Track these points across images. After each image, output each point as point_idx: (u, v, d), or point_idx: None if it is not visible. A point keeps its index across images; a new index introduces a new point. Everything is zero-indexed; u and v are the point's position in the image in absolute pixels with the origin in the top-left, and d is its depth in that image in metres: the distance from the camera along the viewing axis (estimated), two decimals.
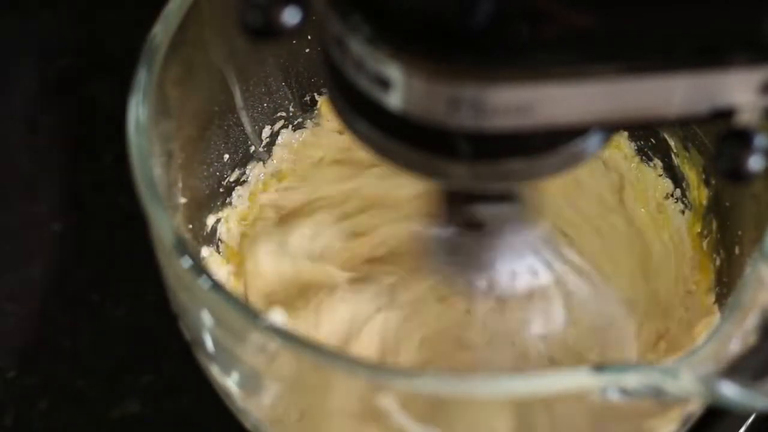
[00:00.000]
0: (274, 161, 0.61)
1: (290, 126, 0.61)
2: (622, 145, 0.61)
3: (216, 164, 0.57)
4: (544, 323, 0.54)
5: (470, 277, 0.49)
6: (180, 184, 0.52)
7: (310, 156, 0.61)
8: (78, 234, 0.62)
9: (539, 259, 0.49)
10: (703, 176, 0.58)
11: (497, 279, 0.48)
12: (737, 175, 0.38)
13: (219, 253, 0.58)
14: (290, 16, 0.36)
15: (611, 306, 0.56)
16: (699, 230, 0.58)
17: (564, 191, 0.60)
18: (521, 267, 0.48)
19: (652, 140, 0.60)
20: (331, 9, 0.37)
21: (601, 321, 0.56)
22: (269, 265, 0.57)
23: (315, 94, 0.61)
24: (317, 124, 0.62)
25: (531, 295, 0.52)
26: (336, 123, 0.61)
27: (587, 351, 0.55)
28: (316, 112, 0.62)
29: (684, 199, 0.59)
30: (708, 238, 0.58)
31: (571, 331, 0.55)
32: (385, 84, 0.37)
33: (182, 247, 0.45)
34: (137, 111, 0.47)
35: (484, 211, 0.44)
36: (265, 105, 0.59)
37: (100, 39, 0.69)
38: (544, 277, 0.49)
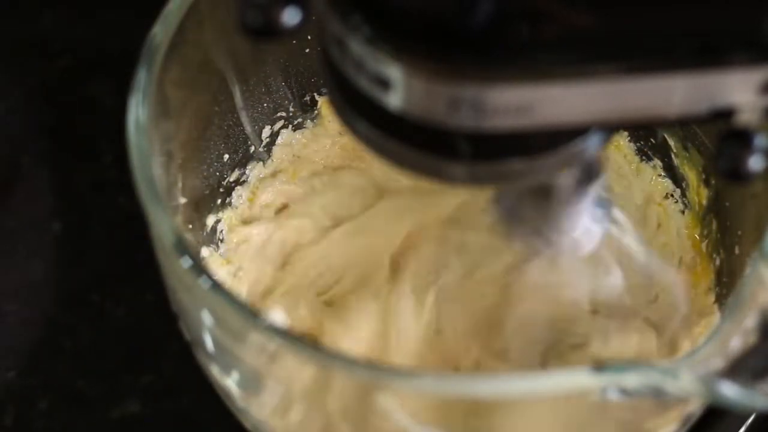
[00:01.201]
0: (274, 161, 0.61)
1: (290, 126, 0.61)
2: (622, 145, 0.61)
3: (216, 164, 0.57)
4: (597, 279, 0.54)
5: (549, 240, 0.49)
6: (180, 184, 0.52)
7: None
8: (78, 234, 0.62)
9: (594, 216, 0.48)
10: (703, 176, 0.58)
11: (559, 244, 0.48)
12: (737, 175, 0.38)
13: (219, 253, 0.58)
14: (290, 16, 0.36)
15: (658, 263, 0.56)
16: (699, 230, 0.58)
17: None
18: (580, 229, 0.47)
19: (652, 140, 0.60)
20: (331, 9, 0.37)
21: (651, 277, 0.56)
22: None
23: (315, 94, 0.61)
24: (317, 124, 0.62)
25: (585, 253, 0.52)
26: (336, 123, 0.62)
27: (639, 307, 0.55)
28: (316, 112, 0.62)
29: (684, 199, 0.59)
30: (708, 238, 0.58)
31: (623, 286, 0.55)
32: (385, 84, 0.37)
33: (182, 247, 0.45)
34: (137, 111, 0.47)
35: (563, 181, 0.44)
36: (265, 105, 0.59)
37: (100, 39, 0.69)
38: (598, 235, 0.49)
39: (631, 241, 0.55)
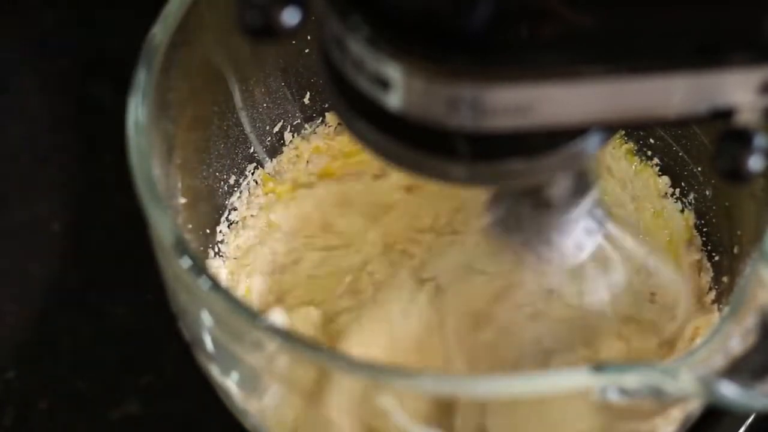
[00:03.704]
0: (274, 162, 0.61)
1: (290, 127, 0.61)
2: (622, 145, 0.61)
3: (216, 164, 0.57)
4: (608, 284, 0.54)
5: (537, 252, 0.49)
6: (180, 184, 0.52)
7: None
8: (78, 234, 0.62)
9: (593, 220, 0.48)
10: (703, 176, 0.58)
11: (564, 250, 0.47)
12: (737, 175, 0.38)
13: (219, 253, 0.58)
14: (290, 17, 0.36)
15: (663, 267, 0.56)
16: (698, 230, 0.58)
17: None
18: (582, 234, 0.47)
19: (652, 140, 0.60)
20: (330, 9, 0.37)
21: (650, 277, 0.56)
22: None
23: (314, 93, 0.61)
24: (319, 124, 0.62)
25: (593, 259, 0.51)
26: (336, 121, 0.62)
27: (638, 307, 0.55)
28: (316, 113, 0.62)
29: (683, 198, 0.59)
30: (707, 238, 0.58)
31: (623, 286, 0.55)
32: (384, 84, 0.37)
33: (182, 247, 0.45)
34: (137, 111, 0.47)
35: (555, 191, 0.44)
36: (265, 105, 0.59)
37: (100, 39, 0.69)
38: (590, 247, 0.48)
39: (629, 242, 0.54)
